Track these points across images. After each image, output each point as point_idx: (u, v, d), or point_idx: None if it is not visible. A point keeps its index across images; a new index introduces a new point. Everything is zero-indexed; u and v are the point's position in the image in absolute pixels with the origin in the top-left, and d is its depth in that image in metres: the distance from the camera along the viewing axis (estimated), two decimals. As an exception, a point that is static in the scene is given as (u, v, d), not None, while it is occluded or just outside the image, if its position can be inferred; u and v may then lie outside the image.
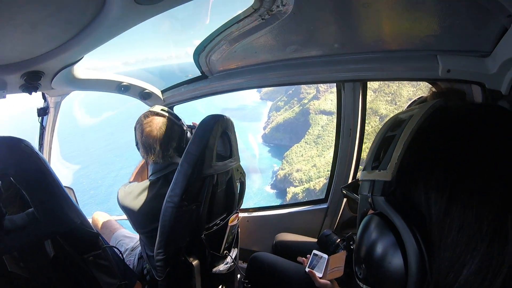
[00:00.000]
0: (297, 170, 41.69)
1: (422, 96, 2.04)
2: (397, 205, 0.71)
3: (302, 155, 43.92)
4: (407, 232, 0.66)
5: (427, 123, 0.75)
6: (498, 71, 1.73)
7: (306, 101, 47.97)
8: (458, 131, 0.70)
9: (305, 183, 40.48)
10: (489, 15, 1.46)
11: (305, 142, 44.57)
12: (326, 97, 44.96)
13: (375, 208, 0.78)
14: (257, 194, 41.96)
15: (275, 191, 42.00)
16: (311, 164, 42.21)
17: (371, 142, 0.91)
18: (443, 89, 2.09)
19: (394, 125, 0.84)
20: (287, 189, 40.45)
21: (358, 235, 0.82)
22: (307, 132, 44.98)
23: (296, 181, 41.12)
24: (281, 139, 49.18)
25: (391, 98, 38.59)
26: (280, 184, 41.80)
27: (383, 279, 0.73)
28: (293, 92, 52.11)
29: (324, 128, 44.20)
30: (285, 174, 42.01)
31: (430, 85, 2.16)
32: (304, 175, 41.54)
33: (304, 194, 38.29)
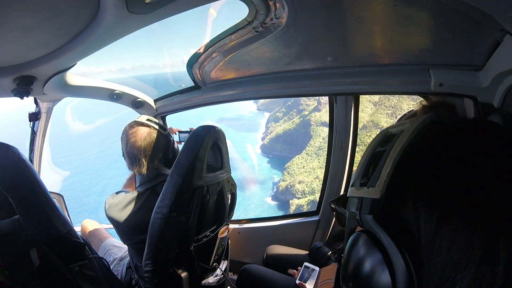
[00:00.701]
0: (300, 182, 41.63)
1: (412, 110, 2.05)
2: (386, 223, 0.69)
3: (303, 166, 43.93)
4: (395, 251, 0.64)
5: (418, 138, 0.73)
6: (490, 84, 1.75)
7: (306, 112, 48.22)
8: (449, 148, 0.69)
9: (308, 195, 40.39)
10: (482, 29, 1.47)
11: (307, 154, 44.69)
12: (327, 109, 44.78)
13: (363, 225, 0.75)
14: (259, 206, 41.60)
15: (276, 202, 41.70)
16: (314, 176, 42.16)
17: (361, 157, 0.88)
18: (433, 102, 2.10)
19: (384, 140, 0.82)
20: (290, 201, 40.24)
21: (346, 252, 0.80)
22: (308, 144, 45.16)
23: (299, 192, 41.01)
24: (281, 150, 49.19)
25: (392, 111, 38.97)
26: (282, 196, 41.62)
27: None
28: (292, 103, 52.42)
29: (326, 140, 44.12)
30: (287, 186, 41.90)
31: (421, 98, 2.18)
32: (307, 187, 41.45)
33: (309, 207, 38.09)
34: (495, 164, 0.63)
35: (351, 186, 0.83)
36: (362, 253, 0.72)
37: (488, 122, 0.75)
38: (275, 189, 43.68)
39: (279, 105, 56.73)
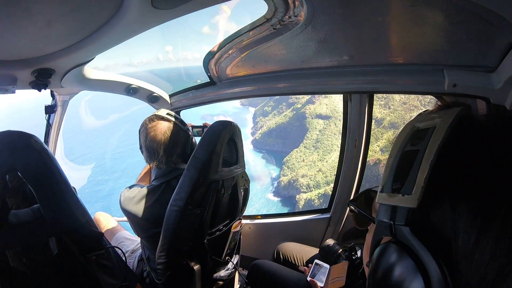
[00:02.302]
0: (303, 176, 41.08)
1: (427, 110, 2.05)
2: (423, 235, 0.63)
3: (303, 160, 43.34)
4: (434, 266, 0.59)
5: (453, 136, 0.66)
6: (503, 86, 1.74)
7: (299, 105, 47.58)
8: (491, 148, 0.62)
9: (314, 189, 39.88)
10: (495, 31, 1.47)
11: (304, 147, 44.16)
12: (321, 102, 44.54)
13: (397, 237, 0.68)
14: (264, 205, 40.85)
15: (278, 198, 41.05)
16: (316, 169, 41.58)
17: (388, 156, 0.79)
18: (448, 103, 2.09)
19: (414, 137, 0.74)
20: (297, 196, 39.61)
21: (374, 264, 0.73)
22: (305, 137, 44.56)
23: (304, 187, 40.43)
24: (274, 145, 48.46)
25: (384, 102, 38.54)
26: (284, 191, 40.99)
27: None
28: (280, 97, 51.56)
29: (322, 132, 43.67)
30: (289, 181, 41.35)
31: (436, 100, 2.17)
32: (311, 180, 40.89)
33: (321, 200, 37.59)
34: None
35: (381, 192, 0.74)
36: (397, 268, 0.66)
37: None
38: (275, 185, 43.02)
39: (264, 99, 56.07)
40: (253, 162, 47.93)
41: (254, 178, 45.02)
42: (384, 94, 37.68)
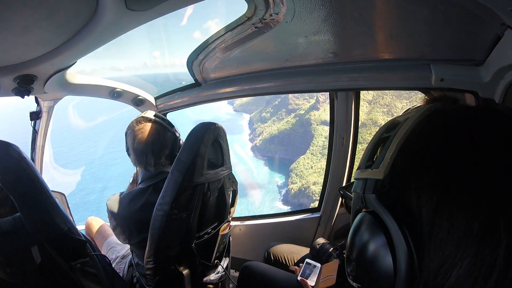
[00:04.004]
0: (314, 183, 40.76)
1: (415, 105, 2.05)
2: (388, 203, 0.71)
3: (311, 167, 42.89)
4: (396, 230, 0.66)
5: (422, 124, 0.74)
6: (491, 79, 1.74)
7: (302, 112, 47.12)
8: (451, 132, 0.70)
9: None
10: (483, 24, 1.47)
11: (311, 154, 43.68)
12: (326, 108, 44.17)
13: (367, 206, 0.78)
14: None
15: (289, 207, 39.81)
16: None
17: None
18: (436, 97, 2.10)
19: (390, 127, 0.84)
20: (311, 205, 38.86)
21: (350, 234, 0.82)
22: (311, 143, 44.21)
23: (316, 194, 39.80)
24: (276, 152, 47.42)
25: (387, 109, 38.74)
26: (294, 200, 39.97)
27: (373, 278, 0.73)
28: (279, 103, 51.45)
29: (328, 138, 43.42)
30: (300, 188, 40.88)
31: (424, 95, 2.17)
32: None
33: None
34: (497, 148, 0.64)
35: (357, 169, 0.87)
36: (365, 233, 0.76)
37: (490, 110, 0.74)
38: (283, 193, 41.97)
39: (259, 105, 55.41)
40: (256, 169, 46.34)
41: (259, 186, 43.95)
42: (386, 102, 38.05)
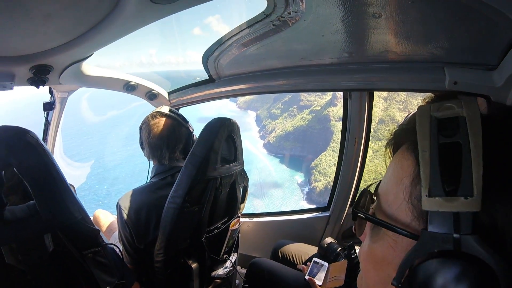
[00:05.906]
0: None
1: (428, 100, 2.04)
2: (494, 244, 0.54)
3: (334, 164, 42.15)
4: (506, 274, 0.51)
5: (489, 126, 0.58)
6: (504, 84, 1.73)
7: (318, 108, 46.62)
8: None
9: None
10: (497, 28, 1.46)
11: (332, 151, 42.66)
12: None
13: (462, 249, 0.56)
14: None
15: (315, 206, 39.08)
16: None
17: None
18: (444, 94, 2.08)
19: (443, 128, 0.62)
20: None
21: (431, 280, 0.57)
22: (331, 140, 43.33)
23: None
24: (291, 149, 46.49)
25: (403, 106, 38.43)
26: (319, 198, 38.75)
27: None
28: (289, 99, 51.10)
29: None
30: (326, 186, 39.75)
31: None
32: None
33: None
34: None
35: (430, 196, 0.59)
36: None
37: None
38: (306, 191, 41.39)
39: (264, 102, 55.13)
40: (273, 167, 44.98)
41: (280, 185, 42.65)
42: (402, 99, 37.78)
